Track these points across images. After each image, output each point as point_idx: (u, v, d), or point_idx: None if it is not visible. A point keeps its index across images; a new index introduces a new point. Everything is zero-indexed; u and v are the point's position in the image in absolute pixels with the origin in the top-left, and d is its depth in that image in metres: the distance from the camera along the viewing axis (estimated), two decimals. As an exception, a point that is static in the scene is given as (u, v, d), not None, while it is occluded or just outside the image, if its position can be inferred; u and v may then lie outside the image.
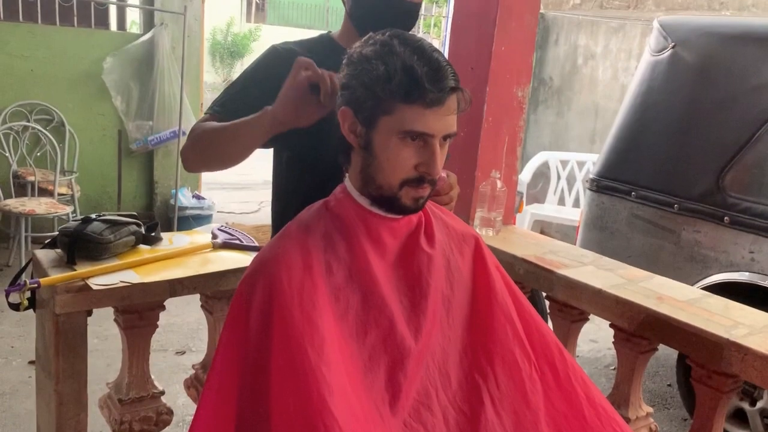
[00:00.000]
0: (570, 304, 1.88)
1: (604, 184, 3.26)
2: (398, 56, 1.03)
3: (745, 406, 2.90)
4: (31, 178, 4.47)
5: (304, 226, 1.10)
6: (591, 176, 3.38)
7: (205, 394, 1.08)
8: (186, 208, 5.24)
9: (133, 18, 6.77)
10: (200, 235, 2.05)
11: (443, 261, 1.16)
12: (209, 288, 1.84)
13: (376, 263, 1.09)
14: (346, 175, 1.16)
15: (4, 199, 4.30)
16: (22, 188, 4.54)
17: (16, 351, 3.28)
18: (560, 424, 1.10)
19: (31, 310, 1.69)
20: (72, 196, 4.65)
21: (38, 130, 4.56)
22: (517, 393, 1.10)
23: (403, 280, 1.11)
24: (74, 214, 4.46)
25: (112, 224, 1.80)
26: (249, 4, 16.49)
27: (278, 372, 0.97)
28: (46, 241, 1.83)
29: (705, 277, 2.88)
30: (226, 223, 2.11)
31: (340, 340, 1.01)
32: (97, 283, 1.61)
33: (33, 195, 4.44)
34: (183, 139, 5.14)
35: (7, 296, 1.67)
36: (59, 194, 4.52)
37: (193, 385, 2.08)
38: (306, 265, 1.03)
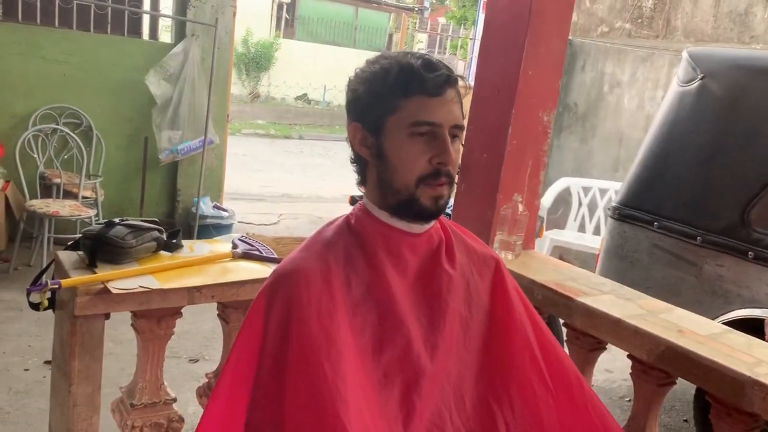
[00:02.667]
0: (588, 332, 1.85)
1: (627, 212, 3.23)
2: (392, 58, 1.09)
3: (764, 446, 2.83)
4: (57, 180, 4.54)
5: (326, 240, 1.10)
6: (613, 204, 3.35)
7: (213, 400, 1.08)
8: (207, 216, 5.29)
9: (165, 25, 6.88)
10: (220, 245, 2.07)
11: (463, 282, 1.15)
12: (227, 297, 1.84)
13: (396, 280, 1.09)
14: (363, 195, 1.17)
15: (30, 199, 4.36)
16: (47, 190, 4.61)
17: (32, 350, 3.31)
18: None
19: (50, 311, 1.71)
20: (95, 199, 4.71)
21: (66, 133, 4.64)
22: (532, 420, 1.08)
23: (421, 299, 1.10)
24: (97, 218, 4.51)
25: (135, 229, 1.82)
26: (279, 19, 16.70)
27: (293, 384, 0.96)
28: (69, 243, 1.85)
29: (726, 312, 2.83)
30: (247, 234, 2.12)
31: (356, 355, 1.01)
32: (116, 286, 1.63)
33: (58, 197, 4.51)
34: (208, 149, 5.21)
35: (27, 295, 1.69)
36: (83, 197, 4.58)
37: (205, 393, 2.07)
38: (325, 279, 1.03)
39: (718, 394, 1.56)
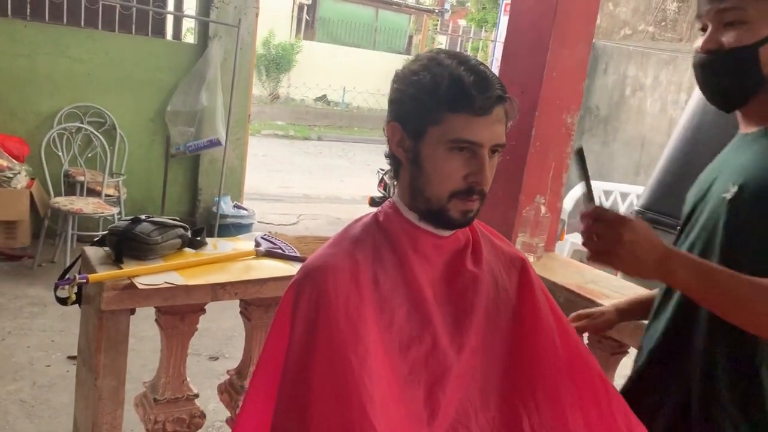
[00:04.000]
0: (610, 336, 1.84)
1: (649, 216, 3.20)
2: (445, 67, 1.05)
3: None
4: (81, 178, 4.60)
5: (354, 237, 1.11)
6: (636, 208, 3.32)
7: (249, 397, 1.09)
8: (227, 216, 5.33)
9: (188, 28, 6.94)
10: (244, 243, 2.09)
11: (491, 281, 1.15)
12: (250, 294, 1.86)
13: (423, 278, 1.09)
14: (395, 191, 1.17)
15: (54, 197, 4.43)
16: (71, 187, 4.68)
17: (56, 345, 3.35)
18: None
19: (74, 306, 1.74)
20: (118, 197, 4.77)
21: (91, 131, 4.70)
22: (557, 422, 1.08)
23: (448, 297, 1.10)
24: (119, 216, 4.57)
25: (160, 226, 1.84)
26: (299, 20, 16.79)
27: (320, 377, 0.97)
28: (95, 239, 1.88)
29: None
30: (269, 233, 2.13)
31: (383, 351, 1.01)
32: (142, 282, 1.65)
33: (81, 194, 4.57)
34: (229, 149, 5.25)
35: (55, 290, 1.72)
36: (106, 195, 4.64)
37: (226, 390, 2.09)
38: (353, 275, 1.04)
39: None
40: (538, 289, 1.19)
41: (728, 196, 1.17)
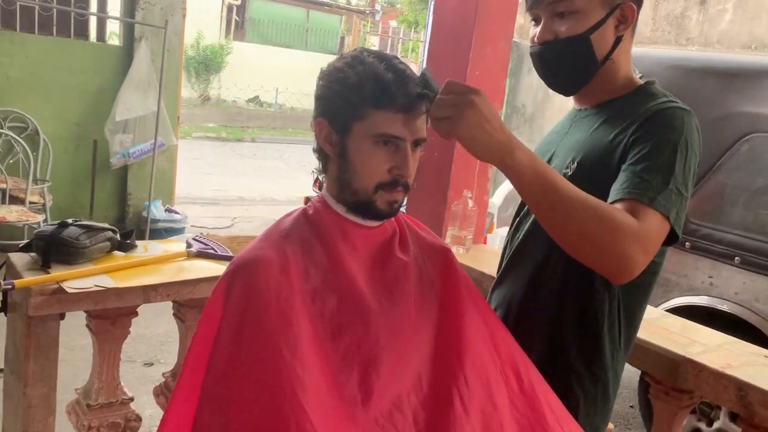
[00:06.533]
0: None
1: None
2: (368, 65, 1.10)
3: (702, 426, 2.98)
4: (3, 186, 4.43)
5: (284, 231, 1.14)
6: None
7: (175, 394, 1.11)
8: (159, 221, 5.23)
9: (112, 29, 6.77)
10: (175, 244, 2.08)
11: (416, 269, 1.21)
12: (183, 295, 1.85)
13: (353, 267, 1.13)
14: (323, 185, 1.21)
15: (-26, 205, 4.26)
16: (-8, 195, 4.51)
17: (-20, 358, 3.22)
18: (523, 425, 1.14)
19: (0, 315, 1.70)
20: (44, 204, 4.62)
21: (12, 137, 4.53)
22: (484, 392, 1.13)
23: (378, 285, 1.15)
24: (45, 223, 4.42)
25: (89, 229, 1.82)
26: (228, 21, 16.55)
27: (249, 366, 1.00)
28: (21, 245, 1.84)
29: (666, 300, 2.97)
30: (201, 234, 2.13)
31: (315, 341, 1.05)
32: (71, 286, 1.62)
33: (4, 202, 4.40)
34: (159, 152, 5.16)
35: (-22, 298, 1.67)
36: (31, 203, 4.48)
37: (162, 392, 2.08)
38: (284, 267, 1.07)
39: (656, 375, 1.66)
40: (461, 277, 1.25)
41: (569, 171, 1.26)
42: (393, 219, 1.22)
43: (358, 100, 1.09)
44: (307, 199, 5.99)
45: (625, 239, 1.06)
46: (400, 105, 1.09)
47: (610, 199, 1.14)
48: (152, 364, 3.43)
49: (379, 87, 1.08)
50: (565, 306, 1.30)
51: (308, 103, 15.34)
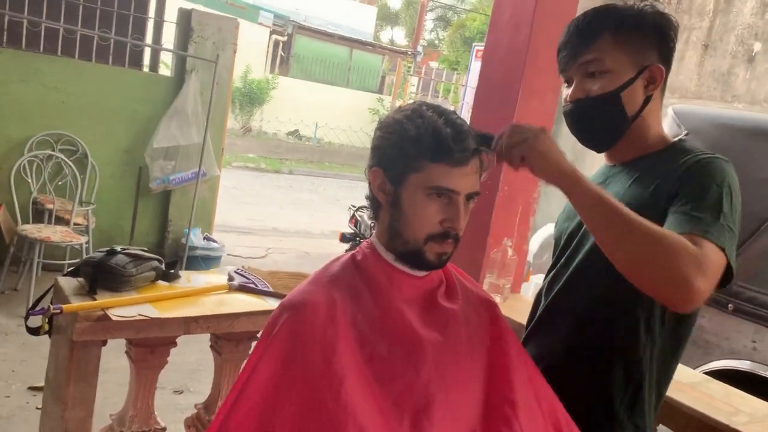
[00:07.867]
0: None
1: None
2: (427, 119, 1.14)
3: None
4: (50, 206, 4.56)
5: (332, 275, 1.16)
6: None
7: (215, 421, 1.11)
8: (197, 248, 5.31)
9: (164, 59, 7.00)
10: (217, 276, 2.11)
11: (463, 318, 1.22)
12: (222, 329, 1.88)
13: (403, 314, 1.14)
14: (373, 232, 1.23)
15: (22, 224, 4.38)
16: (39, 215, 4.63)
17: (16, 375, 3.28)
18: None
19: (35, 336, 1.73)
20: (87, 226, 4.73)
21: (62, 159, 4.68)
22: None
23: (427, 331, 1.16)
24: (87, 245, 4.53)
25: (135, 258, 1.86)
26: (274, 56, 16.95)
27: (293, 413, 1.01)
28: (69, 269, 1.89)
29: (706, 363, 2.90)
30: (242, 267, 2.16)
31: (364, 385, 1.05)
32: (116, 314, 1.66)
33: (49, 222, 4.52)
34: (201, 181, 5.27)
35: (26, 319, 1.72)
36: (75, 224, 4.59)
37: (193, 424, 2.09)
38: (330, 312, 1.09)
39: (698, 442, 1.62)
40: (507, 330, 1.25)
41: None
42: (440, 269, 1.23)
43: (416, 153, 1.12)
44: (342, 235, 6.02)
45: (688, 264, 1.06)
46: (456, 159, 1.11)
47: None
48: (182, 392, 3.45)
49: (437, 141, 1.11)
50: (610, 355, 1.30)
51: (345, 139, 15.61)
